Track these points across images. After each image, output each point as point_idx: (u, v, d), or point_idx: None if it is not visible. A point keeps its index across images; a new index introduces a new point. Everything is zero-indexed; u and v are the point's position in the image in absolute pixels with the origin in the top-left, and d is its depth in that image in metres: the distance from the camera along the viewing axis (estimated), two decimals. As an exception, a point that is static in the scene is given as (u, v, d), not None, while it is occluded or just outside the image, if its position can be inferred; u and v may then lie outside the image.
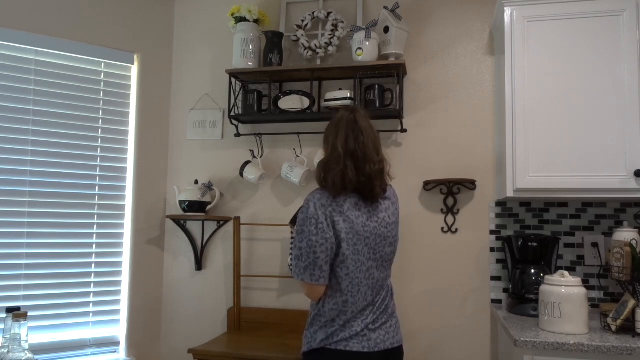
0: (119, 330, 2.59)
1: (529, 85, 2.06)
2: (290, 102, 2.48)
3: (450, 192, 2.45)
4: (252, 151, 2.66)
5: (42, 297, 2.38)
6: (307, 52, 2.57)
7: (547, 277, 1.86)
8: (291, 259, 2.48)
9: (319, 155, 2.35)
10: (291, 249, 2.49)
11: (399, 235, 1.69)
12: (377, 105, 2.40)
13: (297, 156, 2.58)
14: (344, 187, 1.57)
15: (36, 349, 2.30)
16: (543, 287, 1.85)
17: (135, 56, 2.71)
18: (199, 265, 2.70)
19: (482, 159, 2.44)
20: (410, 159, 2.52)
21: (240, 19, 2.55)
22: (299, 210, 1.65)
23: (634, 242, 1.92)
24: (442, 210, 2.47)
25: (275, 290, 2.62)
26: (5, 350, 1.23)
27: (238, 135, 2.65)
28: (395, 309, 1.72)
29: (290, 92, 2.50)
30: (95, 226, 2.55)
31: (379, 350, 1.59)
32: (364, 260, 1.58)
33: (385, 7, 2.42)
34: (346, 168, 1.56)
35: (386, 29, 2.40)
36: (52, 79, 2.46)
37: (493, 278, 2.38)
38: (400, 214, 1.72)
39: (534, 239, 2.19)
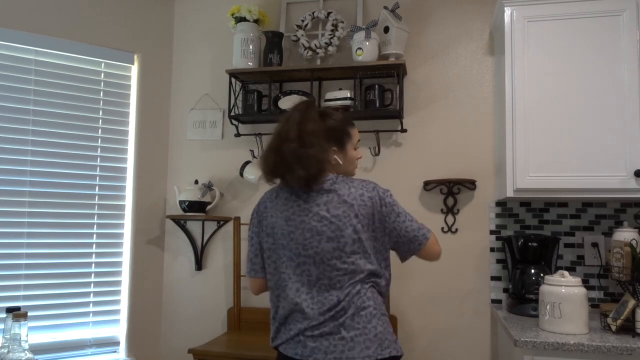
0: (119, 330, 2.59)
1: (529, 85, 2.06)
2: (290, 102, 2.48)
3: (450, 192, 2.45)
4: (252, 151, 2.66)
5: (42, 297, 2.38)
6: (307, 52, 2.57)
7: (547, 277, 1.86)
8: None
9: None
10: None
11: (351, 231, 1.46)
12: (377, 105, 2.40)
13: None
14: (266, 170, 1.52)
15: (36, 349, 2.30)
16: (543, 287, 1.85)
17: (135, 56, 2.71)
18: (199, 265, 2.70)
19: (482, 158, 2.44)
20: (410, 159, 2.52)
21: (240, 19, 2.55)
22: None
23: (634, 242, 1.92)
24: (442, 210, 2.47)
25: (275, 290, 2.61)
26: (5, 350, 1.23)
27: (238, 135, 2.65)
28: (365, 321, 1.45)
29: (290, 92, 2.50)
30: (95, 226, 2.55)
31: None
32: (291, 256, 1.49)
33: (385, 7, 2.42)
34: (270, 149, 1.51)
35: (386, 29, 2.40)
36: (52, 79, 2.46)
37: (493, 278, 2.38)
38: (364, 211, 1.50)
39: (534, 239, 2.19)
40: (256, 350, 2.15)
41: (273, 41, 2.53)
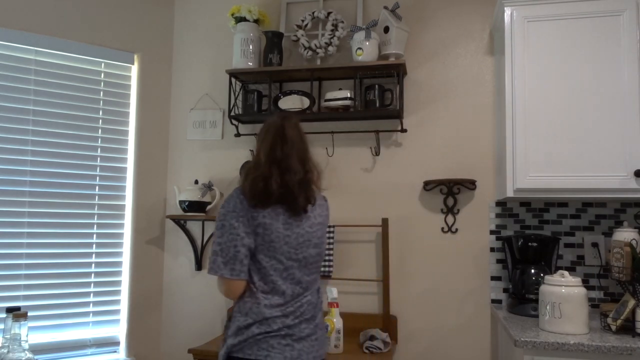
0: (119, 330, 2.59)
1: (529, 85, 2.06)
2: (290, 102, 2.48)
3: (450, 192, 2.45)
4: (252, 151, 2.66)
5: (42, 297, 2.38)
6: (307, 52, 2.57)
7: (547, 277, 1.86)
8: None
9: None
10: None
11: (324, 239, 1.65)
12: (377, 105, 2.40)
13: None
14: (267, 196, 1.52)
15: (36, 349, 2.30)
16: (543, 287, 1.85)
17: (135, 56, 2.71)
18: (199, 265, 2.70)
19: (482, 159, 2.44)
20: (410, 159, 2.52)
21: (240, 19, 2.55)
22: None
23: (634, 242, 1.92)
24: (442, 210, 2.47)
25: (275, 290, 2.61)
26: (5, 350, 1.23)
27: (238, 135, 2.65)
28: (323, 321, 1.64)
29: (290, 92, 2.50)
30: (95, 226, 2.55)
31: None
32: (281, 259, 1.54)
33: (385, 7, 2.42)
34: (270, 177, 1.52)
35: (386, 29, 2.40)
36: (52, 79, 2.46)
37: (493, 278, 2.38)
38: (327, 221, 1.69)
39: (534, 239, 2.19)
40: (256, 350, 2.14)
41: (273, 41, 2.53)
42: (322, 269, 2.43)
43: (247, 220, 1.51)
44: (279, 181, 1.52)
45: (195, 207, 2.56)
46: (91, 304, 2.51)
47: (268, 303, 1.52)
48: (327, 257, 2.44)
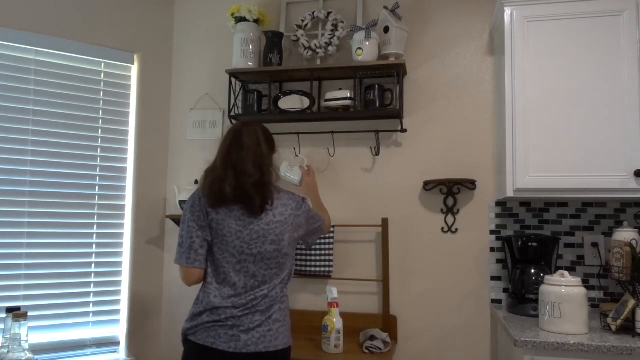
0: (119, 330, 2.59)
1: (529, 85, 2.06)
2: (290, 102, 2.48)
3: (450, 192, 2.45)
4: (252, 151, 2.66)
5: (42, 297, 2.38)
6: (307, 52, 2.57)
7: (547, 277, 1.86)
8: None
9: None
10: None
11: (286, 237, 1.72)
12: (377, 105, 2.40)
13: (296, 156, 2.58)
14: (221, 197, 1.66)
15: (36, 349, 2.30)
16: (543, 287, 1.85)
17: (135, 56, 2.71)
18: (199, 265, 2.69)
19: (482, 159, 2.45)
20: (410, 159, 2.52)
21: (240, 19, 2.55)
22: None
23: (634, 242, 1.92)
24: (442, 210, 2.47)
25: (275, 290, 2.61)
26: (5, 350, 1.23)
27: (238, 135, 2.65)
28: (284, 315, 1.74)
29: (290, 92, 2.50)
30: (95, 226, 2.55)
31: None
32: (234, 253, 1.67)
33: (385, 7, 2.42)
34: (225, 179, 1.66)
35: (386, 29, 2.40)
36: (52, 79, 2.46)
37: (493, 278, 2.38)
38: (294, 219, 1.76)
39: (534, 239, 2.19)
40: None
41: (273, 41, 2.53)
42: (323, 269, 2.43)
43: (202, 215, 1.68)
44: (234, 183, 1.65)
45: (195, 207, 2.56)
46: (91, 304, 2.51)
47: (219, 294, 1.67)
48: (327, 257, 2.44)
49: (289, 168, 2.43)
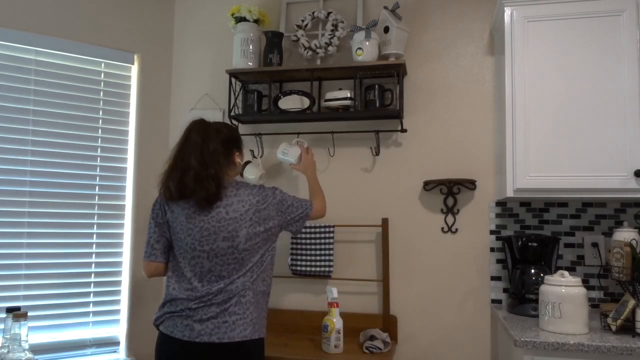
0: (119, 330, 2.59)
1: (529, 85, 2.06)
2: (290, 102, 2.48)
3: (450, 192, 2.45)
4: (252, 151, 2.66)
5: (42, 297, 2.38)
6: (307, 52, 2.57)
7: (547, 277, 1.86)
8: (291, 259, 2.48)
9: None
10: (291, 248, 2.49)
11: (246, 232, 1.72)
12: (377, 105, 2.40)
13: (297, 140, 2.51)
14: (168, 194, 1.72)
15: (36, 349, 2.30)
16: (543, 287, 1.85)
17: (135, 56, 2.71)
18: (199, 265, 2.69)
19: (482, 159, 2.45)
20: (410, 159, 2.52)
21: (240, 19, 2.55)
22: None
23: (634, 242, 1.92)
24: (442, 210, 2.47)
25: (275, 290, 2.61)
26: (5, 350, 1.23)
27: (238, 135, 2.65)
28: (244, 308, 1.74)
29: (290, 92, 2.50)
30: (95, 226, 2.55)
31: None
32: (187, 249, 1.72)
33: (385, 7, 2.42)
34: (169, 176, 1.72)
35: (386, 29, 2.40)
36: (52, 79, 2.46)
37: (493, 278, 2.38)
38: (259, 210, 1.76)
39: (534, 239, 2.19)
40: (256, 350, 2.14)
41: (273, 41, 2.53)
42: (323, 269, 2.43)
43: (161, 212, 1.79)
44: (177, 179, 1.69)
45: (195, 207, 2.56)
46: (91, 304, 2.51)
47: (177, 286, 1.74)
48: (327, 257, 2.44)
49: (287, 147, 2.38)
